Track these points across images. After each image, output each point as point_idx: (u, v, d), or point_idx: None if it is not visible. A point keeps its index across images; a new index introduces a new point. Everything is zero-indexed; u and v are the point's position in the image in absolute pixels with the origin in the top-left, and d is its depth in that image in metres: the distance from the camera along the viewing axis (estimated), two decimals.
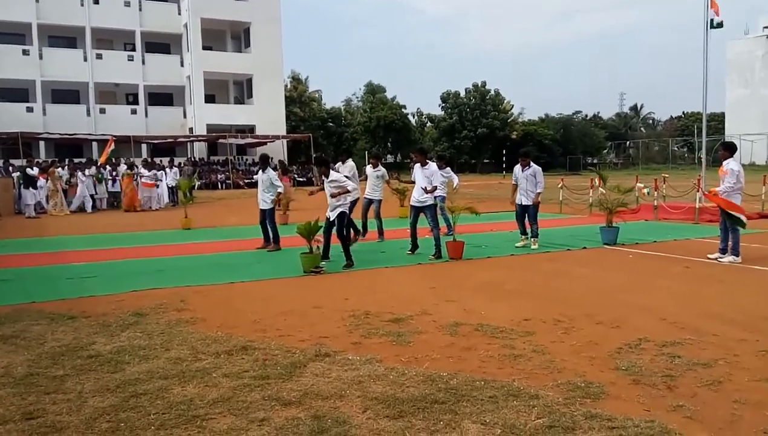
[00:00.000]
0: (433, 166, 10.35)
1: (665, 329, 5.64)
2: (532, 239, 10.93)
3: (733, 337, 5.38)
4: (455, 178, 14.19)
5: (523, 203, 10.90)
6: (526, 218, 11.00)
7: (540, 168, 11.04)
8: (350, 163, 12.24)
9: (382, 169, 12.05)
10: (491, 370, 4.61)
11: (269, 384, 4.33)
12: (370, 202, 11.95)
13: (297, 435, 3.53)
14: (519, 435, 3.49)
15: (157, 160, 30.43)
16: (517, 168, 11.03)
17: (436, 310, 6.48)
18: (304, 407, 3.93)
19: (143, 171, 23.04)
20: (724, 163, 9.39)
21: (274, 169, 14.89)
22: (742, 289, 7.51)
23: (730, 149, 9.48)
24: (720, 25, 13.71)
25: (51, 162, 23.77)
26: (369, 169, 12.17)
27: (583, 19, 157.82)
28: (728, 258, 9.31)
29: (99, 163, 25.91)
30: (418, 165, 10.27)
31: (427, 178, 10.03)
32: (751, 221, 14.42)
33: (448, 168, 13.64)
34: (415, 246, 10.41)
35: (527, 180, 10.84)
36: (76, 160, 36.07)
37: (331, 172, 9.68)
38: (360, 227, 11.86)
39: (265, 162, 11.76)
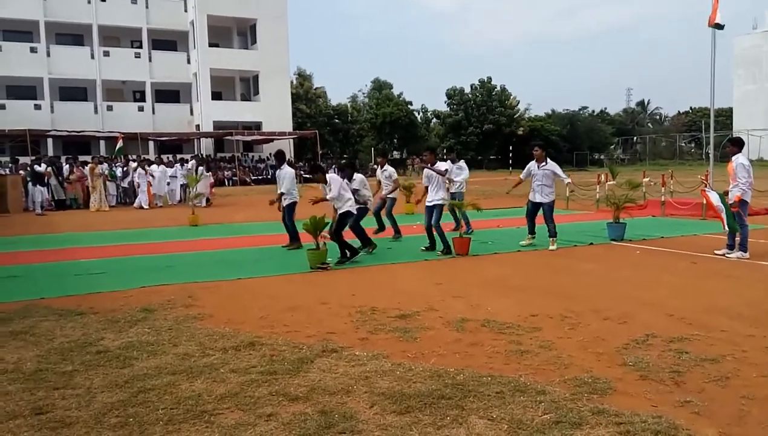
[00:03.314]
0: (441, 164, 10.31)
1: (672, 325, 5.63)
2: (551, 239, 10.28)
3: (741, 332, 5.36)
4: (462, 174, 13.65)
5: (537, 200, 10.36)
6: (536, 217, 10.57)
7: (555, 163, 10.59)
8: (358, 176, 11.26)
9: (389, 169, 12.00)
10: (498, 365, 4.61)
11: (276, 380, 4.35)
12: (383, 202, 11.91)
13: (304, 430, 3.54)
14: (526, 430, 3.49)
15: (164, 157, 30.58)
16: (532, 163, 10.45)
17: (442, 306, 6.49)
18: (311, 402, 3.95)
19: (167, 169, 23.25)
20: (733, 158, 9.34)
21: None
22: (750, 284, 7.48)
23: (738, 145, 9.45)
24: (720, 26, 13.41)
25: (92, 158, 24.14)
26: (377, 171, 12.17)
27: (589, 13, 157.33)
28: (736, 254, 9.27)
29: (111, 158, 26.13)
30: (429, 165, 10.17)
31: (426, 178, 10.14)
32: (759, 217, 14.37)
33: (462, 162, 12.95)
34: (432, 245, 10.22)
35: (544, 177, 10.27)
36: (81, 158, 36.32)
37: (328, 176, 9.46)
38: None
39: (280, 159, 11.44)
